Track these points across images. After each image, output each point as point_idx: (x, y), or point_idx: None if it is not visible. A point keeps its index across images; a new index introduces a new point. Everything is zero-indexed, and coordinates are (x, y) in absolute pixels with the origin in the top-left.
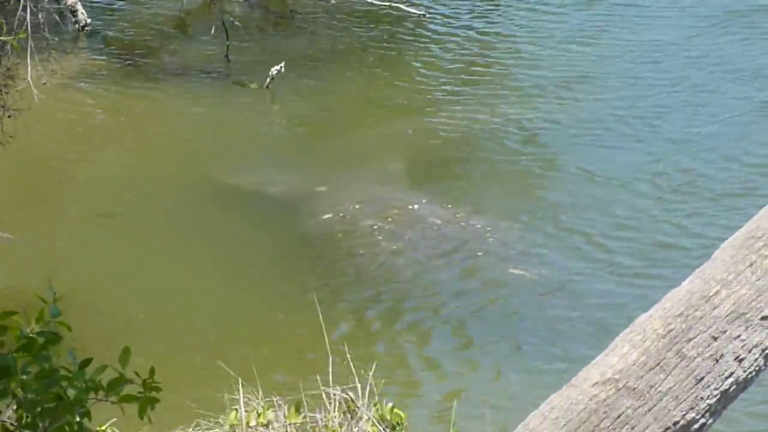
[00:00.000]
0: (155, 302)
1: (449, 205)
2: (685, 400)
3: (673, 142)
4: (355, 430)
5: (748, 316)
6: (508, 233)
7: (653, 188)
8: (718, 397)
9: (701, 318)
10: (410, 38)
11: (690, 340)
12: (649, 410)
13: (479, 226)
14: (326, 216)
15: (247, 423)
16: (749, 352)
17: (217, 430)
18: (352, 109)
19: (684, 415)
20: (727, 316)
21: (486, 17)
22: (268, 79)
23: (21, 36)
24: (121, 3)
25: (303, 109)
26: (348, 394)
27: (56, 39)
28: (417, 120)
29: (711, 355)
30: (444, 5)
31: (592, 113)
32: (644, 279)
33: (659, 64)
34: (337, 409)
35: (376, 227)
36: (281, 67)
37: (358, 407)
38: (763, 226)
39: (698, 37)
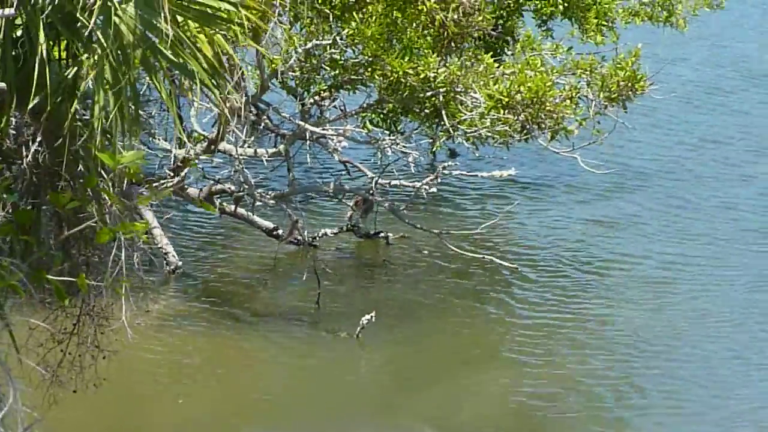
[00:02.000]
0: None
1: None
2: None
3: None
4: None
5: None
6: None
7: None
8: None
9: None
10: (501, 291)
11: None
12: None
13: None
14: None
15: None
16: None
17: None
18: (437, 361)
19: None
20: None
21: (575, 278)
22: (358, 329)
23: (125, 282)
24: (212, 247)
25: (390, 361)
26: None
27: (150, 279)
28: (501, 375)
29: None
30: (536, 257)
31: (674, 373)
32: None
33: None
34: None
35: None
36: (372, 316)
37: None
38: None
39: None
